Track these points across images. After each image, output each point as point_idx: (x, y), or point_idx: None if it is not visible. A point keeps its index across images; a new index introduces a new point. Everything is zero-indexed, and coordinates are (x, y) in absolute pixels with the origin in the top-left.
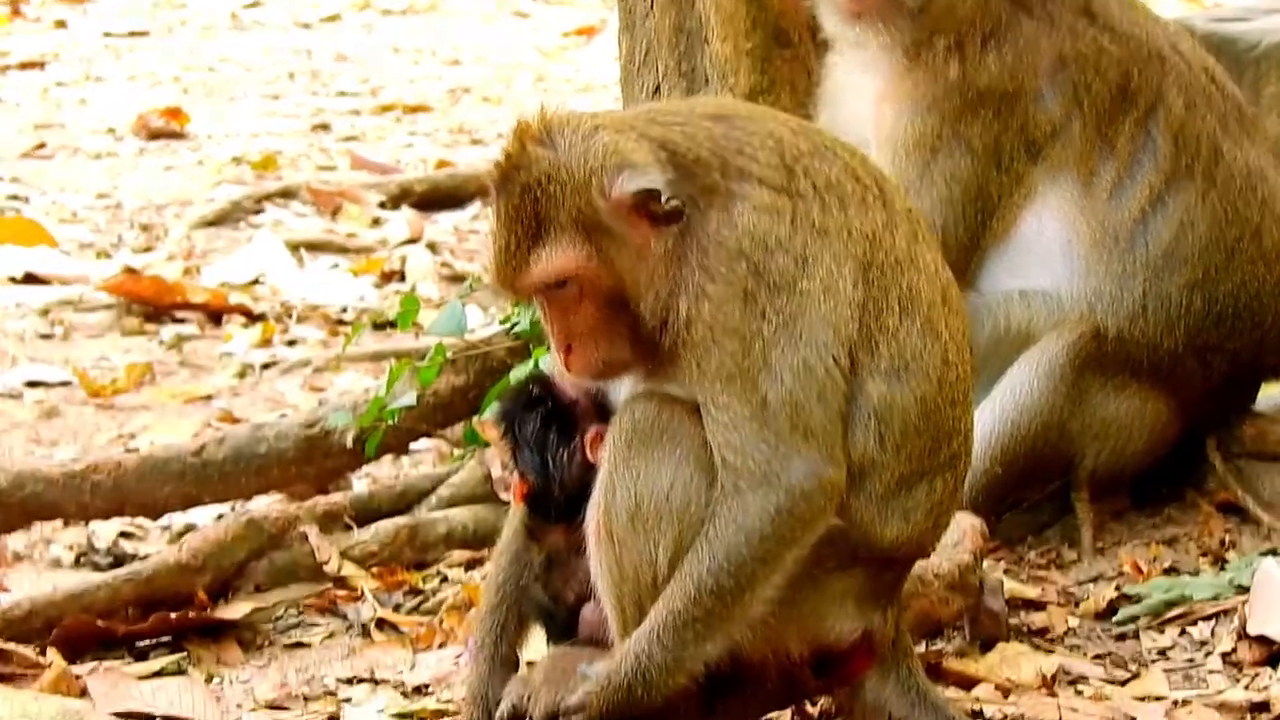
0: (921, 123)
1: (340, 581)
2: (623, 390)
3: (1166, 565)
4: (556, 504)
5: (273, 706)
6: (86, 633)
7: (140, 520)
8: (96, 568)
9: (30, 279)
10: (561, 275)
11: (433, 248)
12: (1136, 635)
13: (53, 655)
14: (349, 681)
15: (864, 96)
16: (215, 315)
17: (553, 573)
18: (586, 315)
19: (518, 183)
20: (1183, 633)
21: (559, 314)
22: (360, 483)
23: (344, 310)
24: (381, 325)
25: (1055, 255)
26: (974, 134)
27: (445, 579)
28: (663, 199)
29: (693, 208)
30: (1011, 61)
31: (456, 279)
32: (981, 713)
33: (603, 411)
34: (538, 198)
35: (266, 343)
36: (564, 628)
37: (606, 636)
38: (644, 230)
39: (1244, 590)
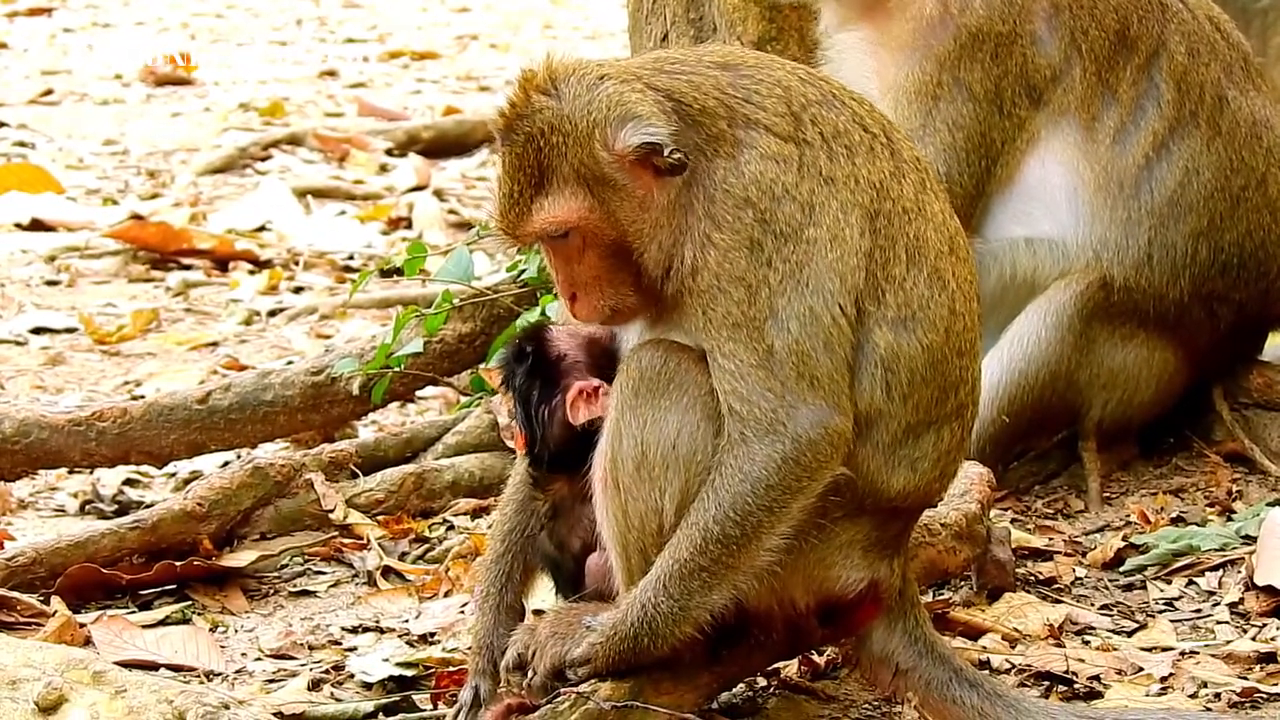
0: (920, 70)
1: (346, 529)
2: (630, 339)
3: (1174, 515)
4: (543, 458)
5: (278, 655)
6: (91, 581)
7: (145, 468)
8: (101, 515)
9: (37, 225)
10: (563, 225)
11: (440, 195)
12: (1144, 585)
13: (57, 604)
14: (354, 630)
15: (862, 50)
16: (222, 262)
17: (558, 521)
18: (590, 264)
19: (521, 132)
20: (1190, 583)
21: (562, 262)
22: (366, 430)
23: (351, 257)
24: (388, 272)
25: (1060, 202)
26: (974, 79)
27: (451, 527)
28: (665, 153)
29: (699, 156)
30: (1000, 4)
31: (463, 226)
32: (988, 662)
33: (595, 368)
34: (540, 148)
35: (273, 290)
36: (570, 577)
37: (612, 586)
38: (647, 181)
39: (1251, 540)
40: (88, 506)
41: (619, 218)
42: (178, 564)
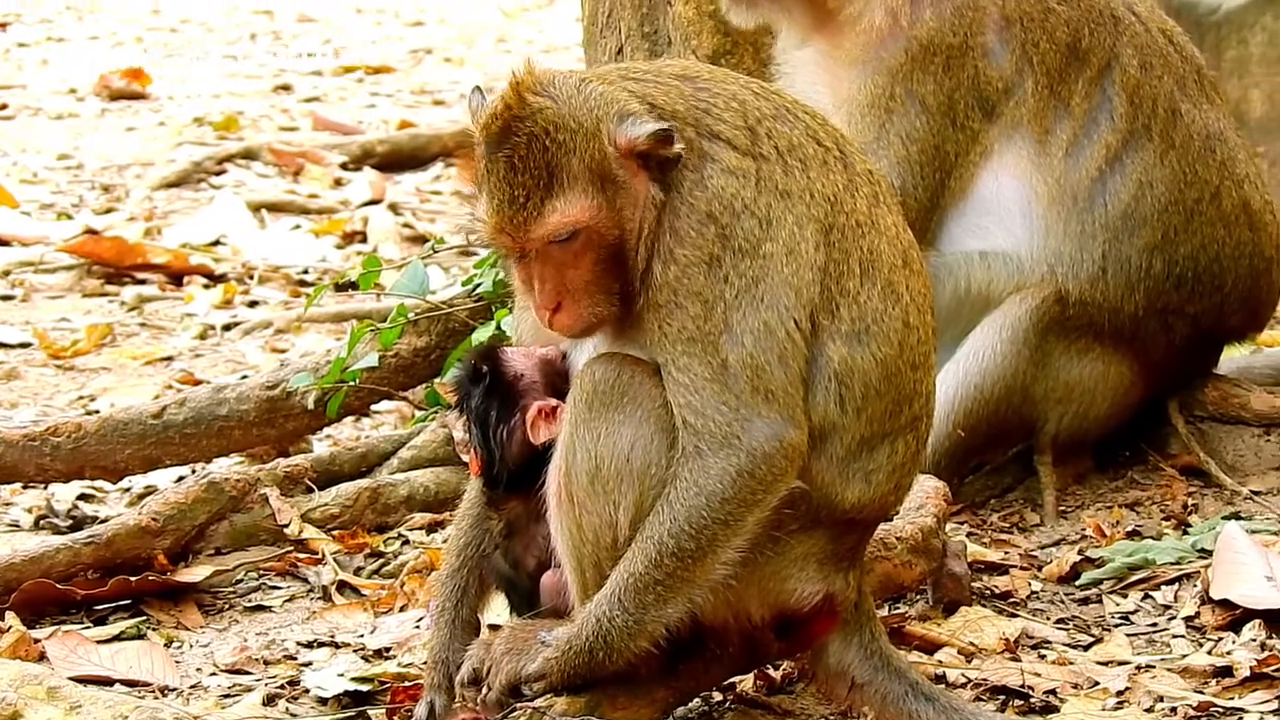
0: (873, 84)
1: (301, 544)
2: (581, 356)
3: (1129, 529)
4: (501, 478)
5: (233, 670)
6: (45, 596)
7: (100, 483)
8: (56, 530)
9: None
10: (577, 225)
11: (394, 209)
12: (1099, 599)
13: (11, 619)
14: (309, 645)
15: (816, 64)
16: (176, 276)
17: (513, 540)
18: (585, 269)
19: (523, 133)
20: (1145, 597)
21: (553, 270)
22: (321, 445)
23: (305, 271)
24: (343, 286)
25: (1014, 215)
26: (926, 91)
27: (406, 542)
28: (673, 142)
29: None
30: (950, 16)
31: (418, 240)
32: (944, 676)
33: (550, 387)
34: (547, 147)
35: (228, 304)
36: (526, 595)
37: (567, 603)
38: (643, 180)
39: (1207, 554)
40: (42, 522)
41: (623, 217)
42: (132, 579)
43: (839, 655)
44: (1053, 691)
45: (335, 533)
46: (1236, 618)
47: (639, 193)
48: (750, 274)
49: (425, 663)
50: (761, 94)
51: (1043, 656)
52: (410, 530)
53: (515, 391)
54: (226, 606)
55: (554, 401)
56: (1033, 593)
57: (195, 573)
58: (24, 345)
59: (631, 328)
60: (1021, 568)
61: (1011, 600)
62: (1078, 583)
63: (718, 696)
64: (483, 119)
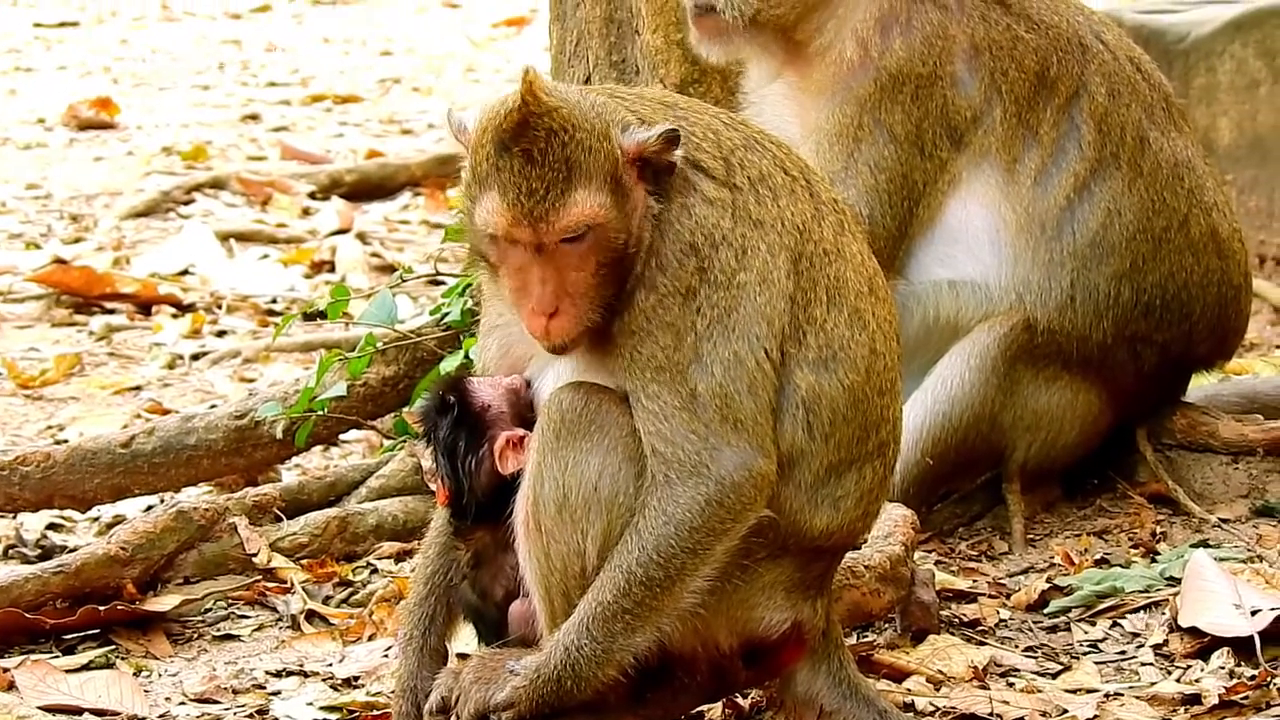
0: (841, 113)
1: (269, 573)
2: (547, 385)
3: (1098, 557)
4: (469, 509)
5: (202, 699)
6: (14, 625)
7: (69, 512)
8: (25, 560)
9: None
10: (594, 220)
11: (363, 238)
12: (1068, 627)
13: None
14: (278, 674)
15: (784, 94)
16: (145, 306)
17: (480, 570)
18: (588, 272)
19: (541, 128)
20: (1114, 625)
21: (556, 272)
22: (290, 474)
23: (274, 301)
24: (311, 316)
25: (983, 244)
26: (895, 121)
27: (375, 571)
28: (680, 144)
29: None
30: (920, 46)
31: (386, 269)
32: (913, 705)
33: (518, 417)
34: (565, 143)
35: (196, 333)
36: (494, 625)
37: (536, 632)
38: (641, 191)
39: (1175, 582)
40: (11, 551)
41: (628, 223)
42: (101, 608)
43: (807, 683)
44: (1021, 719)
45: (304, 562)
46: (1205, 645)
47: (639, 202)
48: (723, 304)
49: (393, 691)
50: (731, 124)
51: (1011, 685)
52: (379, 559)
53: (483, 422)
54: (195, 636)
55: (521, 431)
56: (1001, 621)
57: (164, 602)
58: None
59: (602, 354)
60: (990, 596)
61: (980, 628)
62: (1046, 611)
63: None
64: (494, 118)
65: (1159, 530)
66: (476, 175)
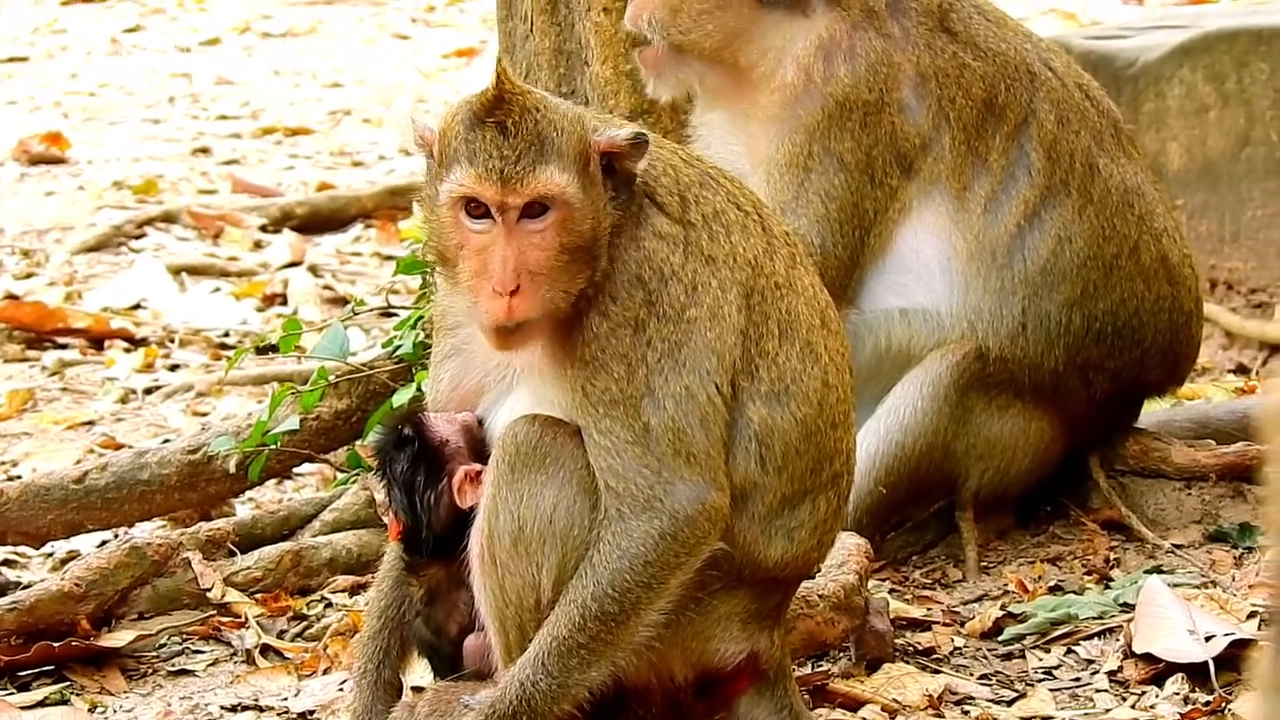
0: (790, 143)
1: (224, 608)
2: (501, 420)
3: (1052, 584)
4: (427, 543)
5: None
6: None
7: (22, 548)
8: None
9: None
10: (561, 194)
11: (314, 270)
12: (1023, 654)
13: None
14: (233, 709)
15: (733, 124)
16: (97, 340)
17: (434, 606)
18: (548, 253)
19: (516, 105)
20: (1069, 652)
21: (517, 249)
22: (244, 508)
23: (226, 334)
24: (264, 349)
25: (934, 272)
26: (845, 149)
27: (330, 604)
28: (649, 147)
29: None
30: (865, 73)
31: (339, 301)
32: None
33: (474, 452)
34: (538, 120)
35: (149, 368)
36: (449, 660)
37: (491, 665)
38: (604, 193)
39: (1129, 608)
40: None
41: (591, 212)
42: (55, 645)
43: (749, 710)
44: None
45: (258, 596)
46: (1159, 671)
47: (602, 201)
48: (673, 339)
49: None
50: (686, 160)
51: (966, 713)
52: (333, 593)
53: (441, 456)
54: (150, 671)
55: (478, 466)
56: (956, 649)
57: (118, 637)
58: None
59: (556, 386)
60: (944, 624)
61: (934, 656)
62: (1000, 638)
63: None
64: (465, 103)
65: (1113, 556)
66: (444, 157)
